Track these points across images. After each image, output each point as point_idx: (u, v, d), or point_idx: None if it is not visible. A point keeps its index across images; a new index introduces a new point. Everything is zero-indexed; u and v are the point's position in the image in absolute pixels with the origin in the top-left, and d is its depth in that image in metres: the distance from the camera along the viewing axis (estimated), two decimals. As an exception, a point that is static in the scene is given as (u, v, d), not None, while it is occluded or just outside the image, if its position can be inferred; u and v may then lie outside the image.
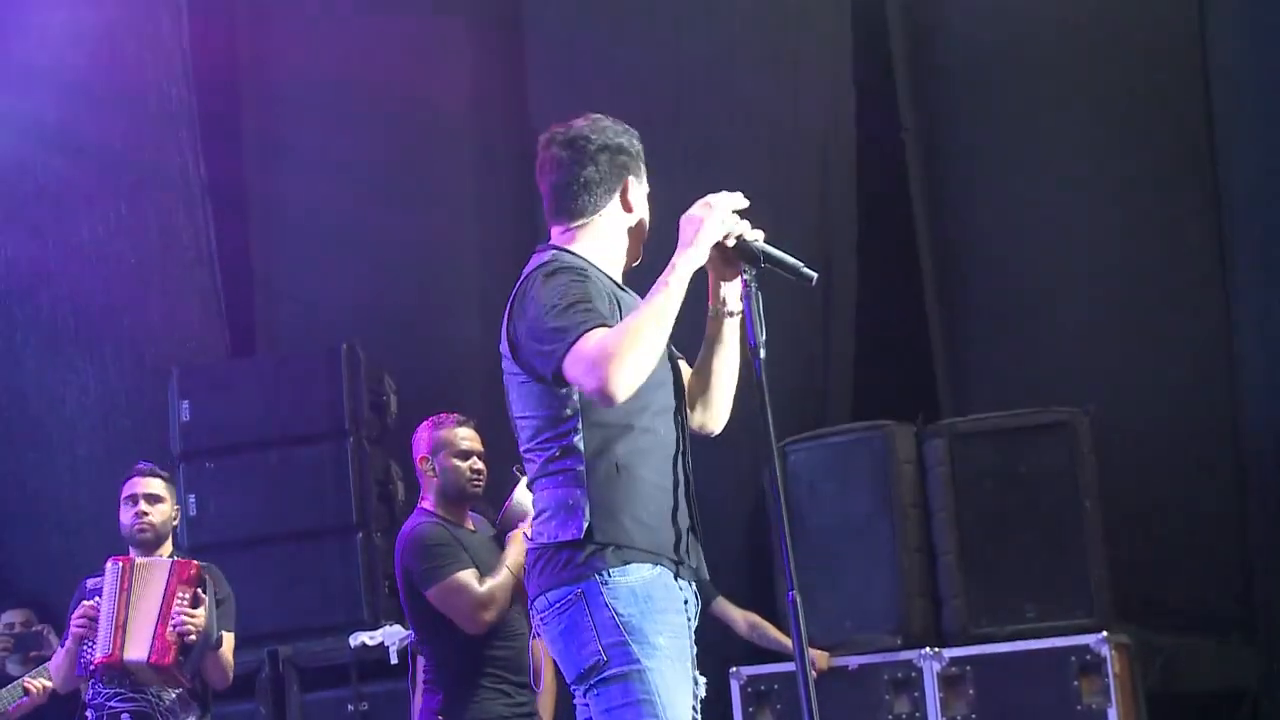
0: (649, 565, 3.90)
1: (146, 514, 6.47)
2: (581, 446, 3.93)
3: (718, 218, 4.00)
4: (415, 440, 6.17)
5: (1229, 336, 8.31)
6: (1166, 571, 8.24)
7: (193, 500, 7.94)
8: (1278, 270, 8.16)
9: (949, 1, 8.80)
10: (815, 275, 4.06)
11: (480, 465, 6.11)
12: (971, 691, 7.43)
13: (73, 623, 6.32)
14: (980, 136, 8.70)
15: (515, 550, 5.82)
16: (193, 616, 6.28)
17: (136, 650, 6.23)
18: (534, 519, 4.04)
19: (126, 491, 6.52)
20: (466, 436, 6.11)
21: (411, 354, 8.93)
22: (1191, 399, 8.36)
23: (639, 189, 4.16)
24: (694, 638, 4.00)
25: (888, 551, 7.66)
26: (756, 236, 4.06)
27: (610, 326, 3.86)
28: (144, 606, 6.28)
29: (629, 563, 3.88)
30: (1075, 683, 7.30)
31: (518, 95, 9.23)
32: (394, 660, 7.14)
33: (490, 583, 5.78)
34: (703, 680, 4.01)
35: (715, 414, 4.22)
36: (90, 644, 6.27)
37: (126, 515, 6.50)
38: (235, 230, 9.38)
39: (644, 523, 3.92)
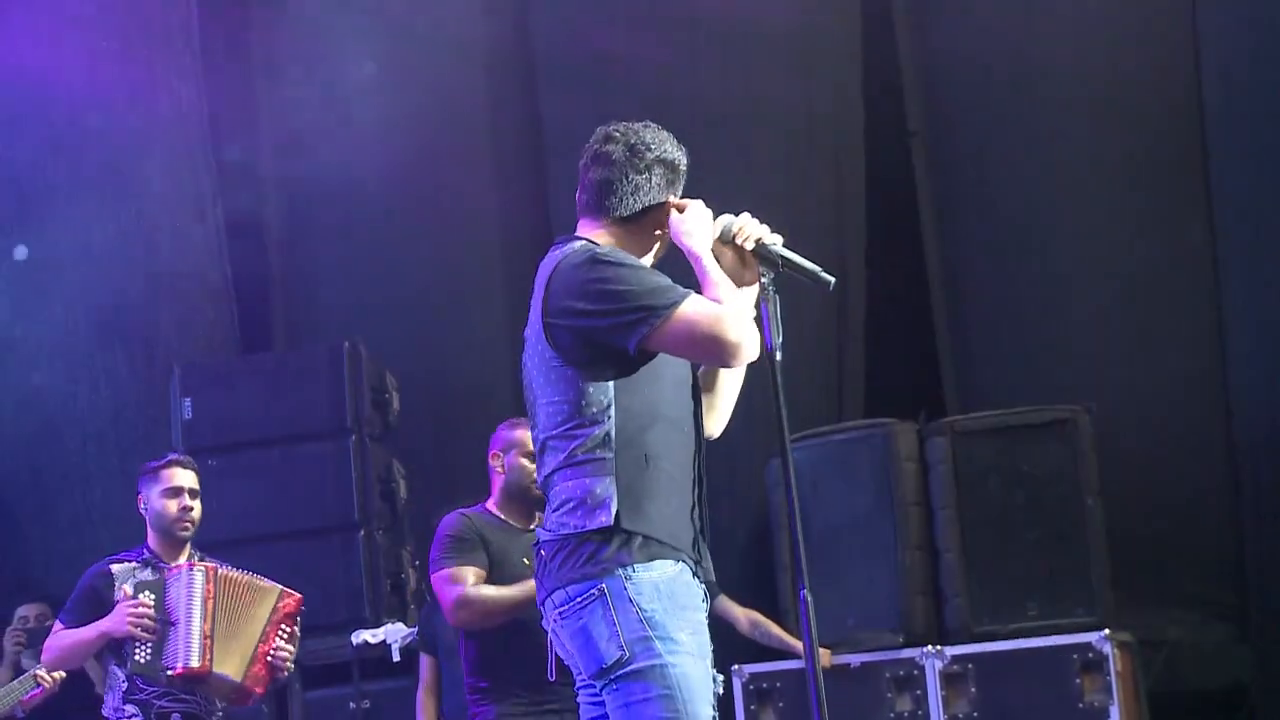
0: (672, 561, 3.90)
1: (191, 509, 6.30)
2: (613, 434, 3.91)
3: (696, 216, 4.06)
4: (493, 438, 6.18)
5: (1223, 337, 8.32)
6: (1166, 569, 8.26)
7: (194, 498, 7.94)
8: (1270, 271, 8.19)
9: (954, 12, 8.81)
10: (833, 280, 4.05)
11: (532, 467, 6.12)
12: (973, 689, 7.43)
13: (129, 617, 6.03)
14: (984, 140, 8.73)
15: None
16: (291, 653, 6.22)
17: (228, 667, 6.08)
18: (554, 510, 3.98)
19: (166, 483, 6.30)
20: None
21: (414, 352, 8.96)
22: (1187, 399, 8.39)
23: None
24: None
25: (890, 549, 7.67)
26: (775, 241, 4.07)
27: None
28: (242, 626, 6.14)
29: (654, 558, 3.87)
30: (1077, 680, 7.30)
31: (530, 96, 9.24)
32: (396, 658, 7.14)
33: (488, 590, 5.64)
34: (719, 678, 4.00)
35: (717, 418, 4.21)
36: (142, 645, 6.05)
37: (169, 506, 6.28)
38: (247, 231, 9.39)
39: (667, 516, 3.92)
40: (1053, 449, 7.64)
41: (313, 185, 9.37)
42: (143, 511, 6.37)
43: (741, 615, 7.72)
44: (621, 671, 3.83)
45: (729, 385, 4.21)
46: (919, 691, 7.48)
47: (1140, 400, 8.33)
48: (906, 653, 7.53)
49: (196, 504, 6.34)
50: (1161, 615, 8.19)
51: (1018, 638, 7.46)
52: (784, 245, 4.07)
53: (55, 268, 8.91)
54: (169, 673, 6.05)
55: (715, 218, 4.11)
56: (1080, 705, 7.29)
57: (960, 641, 7.52)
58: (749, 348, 3.91)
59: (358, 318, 8.82)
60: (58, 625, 6.32)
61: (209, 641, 6.05)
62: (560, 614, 3.92)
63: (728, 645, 7.66)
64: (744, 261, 4.05)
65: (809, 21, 8.85)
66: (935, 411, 8.06)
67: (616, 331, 3.89)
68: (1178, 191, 8.51)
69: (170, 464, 6.39)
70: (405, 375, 8.42)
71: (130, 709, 6.14)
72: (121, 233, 8.92)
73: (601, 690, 3.90)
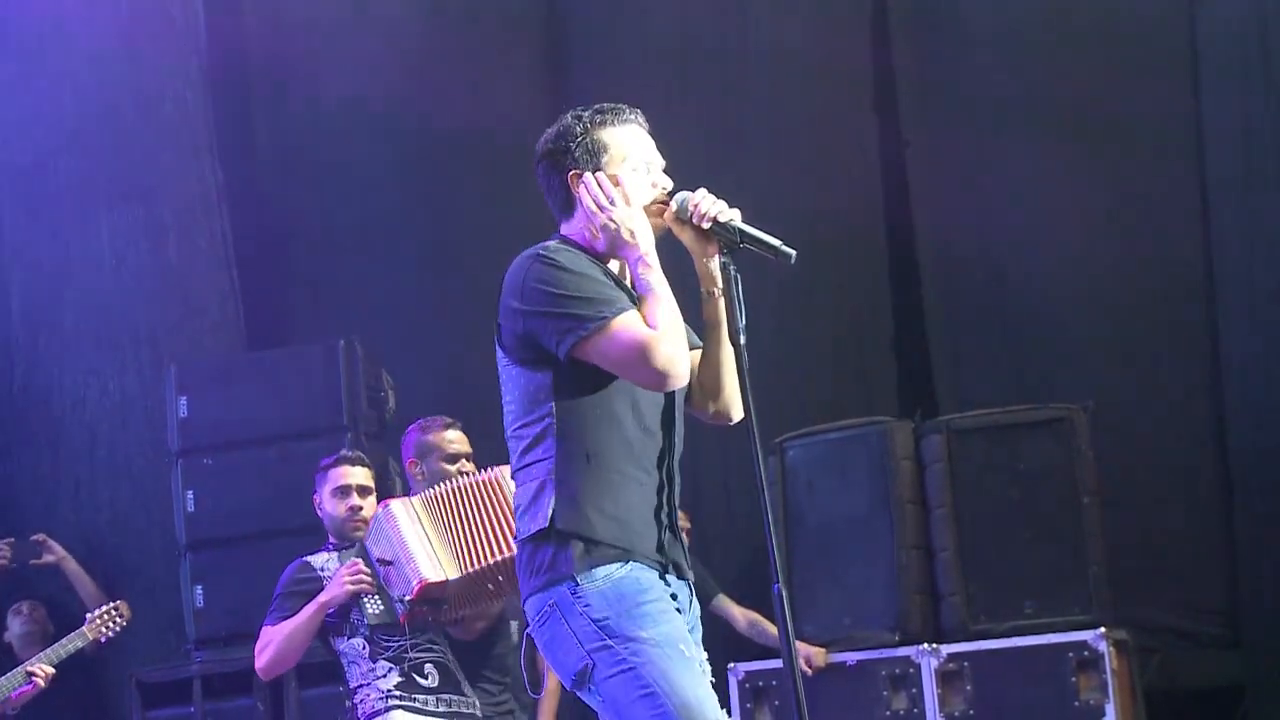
0: (617, 564, 3.81)
1: (360, 508, 6.17)
2: (555, 433, 3.85)
3: (624, 213, 3.93)
4: (404, 444, 6.17)
5: (1217, 337, 8.33)
6: (1162, 569, 8.26)
7: (191, 496, 7.93)
8: (1261, 274, 8.19)
9: (950, 19, 8.83)
10: (794, 252, 3.91)
11: (469, 468, 6.12)
12: (969, 688, 7.42)
13: (345, 579, 5.89)
14: (979, 144, 8.74)
15: None
16: None
17: (476, 565, 5.74)
18: (515, 513, 3.96)
19: (334, 482, 6.20)
20: (454, 440, 6.12)
21: (412, 351, 8.96)
22: (1182, 399, 8.39)
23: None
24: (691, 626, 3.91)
25: (886, 548, 7.66)
26: (733, 216, 3.95)
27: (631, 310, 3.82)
28: (469, 527, 5.83)
29: (595, 566, 3.79)
30: (1073, 679, 7.29)
31: (533, 103, 9.24)
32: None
33: None
34: (702, 657, 3.93)
35: (728, 399, 4.06)
36: (370, 599, 5.88)
37: (338, 507, 6.18)
38: (250, 231, 9.41)
39: (609, 515, 3.82)
40: (1049, 448, 7.63)
41: (313, 183, 9.38)
42: (319, 512, 6.29)
43: (739, 615, 7.73)
44: (593, 680, 3.79)
45: (727, 363, 4.03)
46: (915, 690, 7.48)
47: (1135, 400, 8.33)
48: (902, 651, 7.52)
49: (368, 501, 6.20)
50: (1157, 614, 8.19)
51: (1014, 636, 7.44)
52: (743, 220, 3.94)
53: (63, 270, 8.94)
54: (406, 599, 5.79)
55: (674, 193, 3.98)
56: (1076, 704, 7.28)
57: (956, 640, 7.51)
58: (676, 376, 3.81)
59: (360, 317, 8.82)
60: (265, 630, 6.10)
61: (431, 551, 5.77)
62: (533, 624, 3.89)
63: (726, 645, 7.69)
64: (702, 239, 3.94)
65: (823, 44, 8.88)
66: (929, 410, 8.05)
67: (546, 335, 3.83)
68: (1170, 193, 8.52)
69: (338, 462, 6.29)
70: (402, 374, 8.42)
71: (383, 665, 5.96)
72: (128, 235, 8.95)
73: (586, 695, 3.86)
